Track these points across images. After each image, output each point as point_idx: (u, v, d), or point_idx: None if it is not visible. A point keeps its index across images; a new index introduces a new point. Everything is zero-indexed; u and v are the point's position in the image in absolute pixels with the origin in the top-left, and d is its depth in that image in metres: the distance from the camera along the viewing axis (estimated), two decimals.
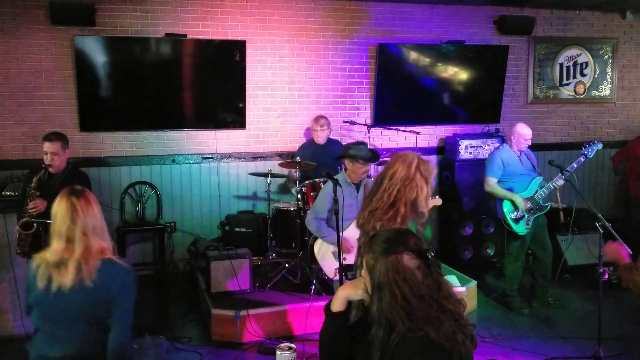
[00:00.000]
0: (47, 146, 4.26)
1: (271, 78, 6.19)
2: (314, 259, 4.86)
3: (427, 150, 6.79)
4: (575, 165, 5.02)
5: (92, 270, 2.28)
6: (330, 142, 5.94)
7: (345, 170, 4.56)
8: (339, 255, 3.80)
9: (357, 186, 4.58)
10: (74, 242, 2.31)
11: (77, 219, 2.32)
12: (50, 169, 4.21)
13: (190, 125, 6.04)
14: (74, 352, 2.32)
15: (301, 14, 6.21)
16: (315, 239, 4.89)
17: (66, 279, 2.27)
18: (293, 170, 5.43)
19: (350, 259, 4.54)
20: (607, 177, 7.53)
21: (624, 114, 7.60)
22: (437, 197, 4.51)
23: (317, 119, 5.85)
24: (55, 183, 4.20)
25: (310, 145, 5.93)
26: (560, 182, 4.97)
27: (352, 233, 4.57)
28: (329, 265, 4.69)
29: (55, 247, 2.33)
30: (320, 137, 5.81)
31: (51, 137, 4.35)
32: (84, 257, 2.29)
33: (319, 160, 5.52)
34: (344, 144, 6.04)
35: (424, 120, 6.70)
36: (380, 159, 5.03)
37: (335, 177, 4.08)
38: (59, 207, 2.36)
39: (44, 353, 2.36)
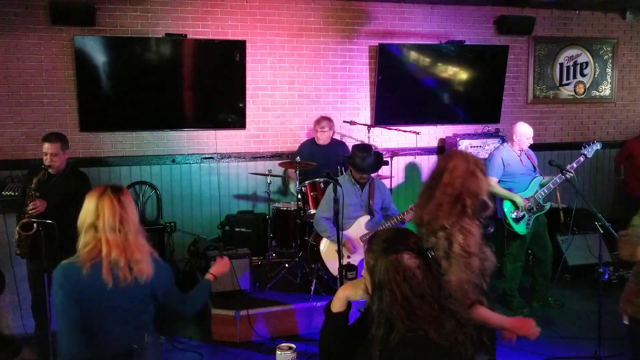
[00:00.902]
0: (47, 147, 4.25)
1: (271, 78, 6.19)
2: (317, 259, 4.87)
3: (427, 150, 6.79)
4: (575, 165, 5.02)
5: (143, 267, 2.34)
6: (334, 142, 5.94)
7: (350, 170, 4.61)
8: (339, 255, 3.81)
9: (362, 185, 4.59)
10: (111, 239, 2.32)
11: (123, 216, 2.35)
12: (49, 170, 4.21)
13: (190, 125, 6.04)
14: (115, 349, 2.35)
15: (301, 14, 6.21)
16: (317, 238, 4.90)
17: (125, 274, 2.31)
18: (292, 170, 5.44)
19: (354, 258, 4.55)
20: (607, 177, 7.53)
21: (624, 114, 7.60)
22: None
23: (319, 120, 5.85)
24: (55, 184, 4.19)
25: (310, 145, 5.92)
26: (559, 180, 4.98)
27: (354, 232, 4.58)
28: (333, 264, 4.70)
29: (94, 244, 2.33)
30: (321, 139, 5.81)
31: (51, 137, 4.34)
32: (131, 254, 2.33)
33: (318, 160, 5.52)
34: (347, 145, 6.06)
35: (424, 120, 6.70)
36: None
37: (338, 177, 4.09)
38: (104, 204, 2.35)
39: (82, 353, 2.33)
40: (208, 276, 2.85)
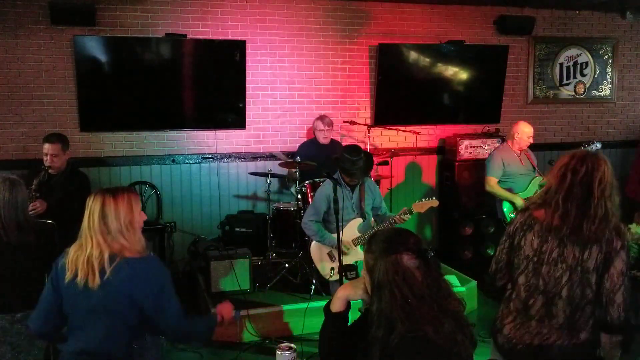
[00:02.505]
0: (47, 147, 4.26)
1: (271, 78, 6.19)
2: (312, 260, 4.86)
3: (427, 150, 6.79)
4: None
5: (113, 267, 2.28)
6: (333, 142, 5.94)
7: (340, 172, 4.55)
8: (339, 255, 3.80)
9: (352, 187, 4.56)
10: (93, 239, 2.32)
11: (99, 217, 2.33)
12: (50, 170, 4.21)
13: (190, 125, 6.04)
14: (90, 347, 2.34)
15: (301, 14, 6.21)
16: None
17: (88, 274, 2.29)
18: (293, 170, 5.43)
19: (345, 260, 4.53)
20: None
21: (624, 114, 7.60)
22: (433, 198, 4.51)
23: (323, 118, 5.81)
24: (55, 184, 4.20)
25: (311, 144, 5.91)
26: None
27: (346, 235, 4.55)
28: (323, 267, 4.70)
29: (80, 243, 2.36)
30: (326, 138, 5.77)
31: (51, 138, 4.34)
32: (103, 254, 2.30)
33: (320, 160, 5.52)
34: (343, 144, 6.06)
35: (424, 120, 6.69)
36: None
37: (327, 180, 4.07)
38: (88, 205, 2.38)
39: (65, 347, 2.39)
40: (217, 316, 2.68)
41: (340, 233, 3.84)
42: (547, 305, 2.39)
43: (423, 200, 4.47)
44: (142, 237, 2.45)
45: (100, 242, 2.31)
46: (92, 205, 2.36)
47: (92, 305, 2.32)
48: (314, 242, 4.73)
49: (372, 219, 4.79)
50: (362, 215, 4.58)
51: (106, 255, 2.30)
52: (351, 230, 4.56)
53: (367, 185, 4.65)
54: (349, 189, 4.54)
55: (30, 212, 3.97)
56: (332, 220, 4.32)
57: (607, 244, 2.33)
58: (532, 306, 2.42)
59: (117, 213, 2.35)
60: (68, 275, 2.32)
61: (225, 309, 2.66)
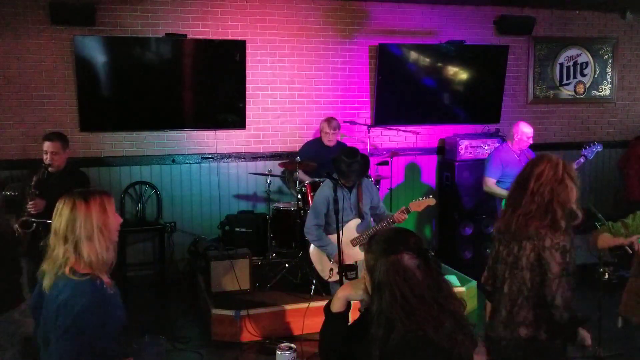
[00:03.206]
0: (48, 145, 4.26)
1: (271, 78, 6.19)
2: (311, 261, 4.85)
3: (427, 150, 6.80)
4: (575, 166, 5.01)
5: (51, 280, 2.12)
6: (339, 144, 5.92)
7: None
8: (339, 255, 3.80)
9: (350, 189, 4.55)
10: (54, 249, 2.15)
11: (57, 225, 2.14)
12: (49, 169, 4.21)
13: (190, 125, 6.04)
14: None
15: (301, 14, 6.21)
16: None
17: (45, 282, 2.16)
18: (300, 172, 5.42)
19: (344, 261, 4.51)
20: (607, 177, 7.53)
21: (624, 114, 7.60)
22: (430, 197, 4.51)
23: (330, 120, 5.76)
24: (55, 183, 4.19)
25: (316, 145, 5.89)
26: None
27: (345, 236, 4.52)
28: (323, 268, 4.69)
29: (48, 252, 2.20)
30: (332, 141, 5.73)
31: (51, 136, 4.35)
32: (53, 265, 2.14)
33: (324, 161, 5.50)
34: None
35: (424, 120, 6.70)
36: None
37: (325, 180, 4.04)
38: (57, 208, 2.20)
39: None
40: None
41: (341, 233, 3.84)
42: (498, 302, 2.56)
43: (420, 199, 4.47)
44: (110, 249, 2.18)
45: (60, 249, 2.12)
46: (62, 209, 2.14)
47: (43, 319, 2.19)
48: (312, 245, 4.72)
49: (371, 219, 4.79)
50: (360, 215, 4.57)
51: (57, 266, 2.12)
52: (350, 231, 4.55)
53: (365, 185, 4.63)
54: (346, 189, 4.54)
55: (30, 210, 3.98)
56: (331, 222, 4.32)
57: (540, 241, 2.40)
58: (494, 303, 2.62)
59: (87, 217, 2.12)
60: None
61: None
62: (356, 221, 4.56)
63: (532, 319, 2.45)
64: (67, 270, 2.09)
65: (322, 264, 4.62)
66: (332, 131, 5.72)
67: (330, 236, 4.42)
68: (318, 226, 4.49)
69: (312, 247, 4.73)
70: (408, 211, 4.38)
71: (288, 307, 4.74)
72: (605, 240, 3.42)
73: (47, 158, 4.23)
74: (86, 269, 2.11)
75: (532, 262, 2.40)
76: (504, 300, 2.52)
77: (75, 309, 2.03)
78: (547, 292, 2.38)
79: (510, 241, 2.49)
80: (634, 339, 4.42)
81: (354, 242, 4.54)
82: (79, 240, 2.10)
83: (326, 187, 4.39)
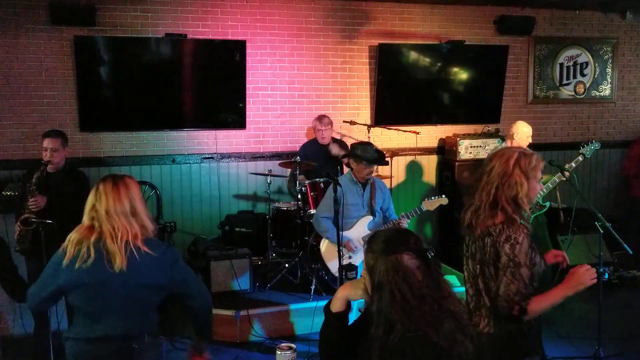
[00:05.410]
0: (48, 142, 4.25)
1: (271, 78, 6.19)
2: (317, 259, 4.86)
3: (427, 150, 6.80)
4: (573, 165, 5.03)
5: (123, 253, 2.31)
6: (333, 141, 5.94)
7: (351, 169, 4.56)
8: (339, 255, 3.81)
9: (364, 185, 4.57)
10: (96, 225, 2.36)
11: (101, 203, 2.36)
12: (49, 167, 4.20)
13: (190, 125, 6.04)
14: (114, 332, 2.35)
15: (301, 14, 6.21)
16: (317, 238, 4.89)
17: (108, 260, 2.31)
18: (302, 176, 5.44)
19: (355, 259, 4.54)
20: (607, 177, 7.53)
21: (624, 114, 7.60)
22: (443, 196, 4.52)
23: (321, 118, 5.83)
24: (54, 181, 4.19)
25: (312, 145, 5.91)
26: (557, 180, 4.99)
27: (357, 232, 4.57)
28: (333, 264, 4.69)
29: (81, 227, 2.38)
30: (325, 137, 5.79)
31: (51, 133, 4.34)
32: (111, 240, 2.32)
33: (321, 160, 5.51)
34: (345, 142, 6.07)
35: (424, 120, 6.70)
36: None
37: (340, 176, 4.06)
38: (91, 193, 2.42)
39: (85, 334, 2.38)
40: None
41: (341, 233, 3.85)
42: (472, 297, 2.56)
43: (433, 198, 4.50)
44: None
45: (117, 225, 2.33)
46: (92, 193, 2.41)
47: (114, 292, 2.33)
48: (324, 240, 4.72)
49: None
50: (372, 213, 4.59)
51: (125, 240, 2.33)
52: (361, 227, 4.57)
53: (378, 185, 4.69)
54: (360, 186, 4.55)
55: (31, 207, 3.98)
56: (343, 217, 4.33)
57: (498, 236, 2.39)
58: (466, 298, 2.60)
59: (132, 195, 2.41)
60: (79, 262, 2.30)
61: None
62: (368, 218, 4.58)
63: (490, 315, 2.45)
64: (139, 242, 2.35)
65: (334, 261, 4.64)
66: (324, 127, 5.75)
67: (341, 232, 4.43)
68: (326, 218, 4.51)
69: (322, 244, 4.74)
70: (421, 210, 4.44)
71: (288, 307, 4.74)
72: None
73: (46, 155, 4.22)
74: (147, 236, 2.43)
75: (493, 257, 2.40)
76: (467, 296, 2.54)
77: (175, 263, 2.46)
78: (495, 286, 2.38)
79: (476, 238, 2.48)
80: (634, 339, 4.43)
81: (364, 239, 4.57)
82: (137, 214, 2.39)
83: (342, 181, 4.42)
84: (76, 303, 2.40)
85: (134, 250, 2.32)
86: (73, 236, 2.37)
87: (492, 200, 2.43)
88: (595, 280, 2.43)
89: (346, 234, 4.45)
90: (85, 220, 2.40)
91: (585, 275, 2.40)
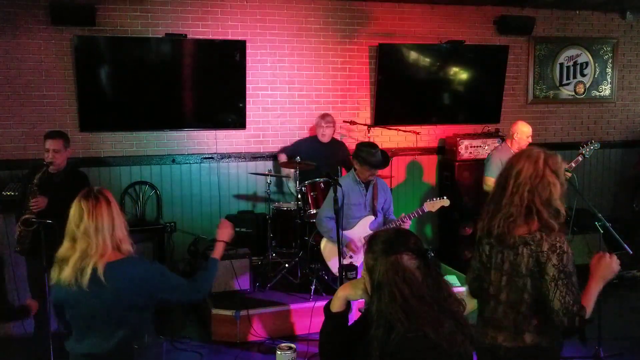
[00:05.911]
0: (50, 143, 4.25)
1: (271, 78, 6.19)
2: (317, 259, 4.86)
3: (427, 150, 6.79)
4: (573, 165, 5.03)
5: (100, 271, 2.27)
6: (334, 141, 5.93)
7: (355, 169, 4.56)
8: (339, 255, 3.81)
9: (367, 185, 4.57)
10: (76, 242, 2.32)
11: (82, 221, 2.32)
12: (50, 168, 4.20)
13: (190, 125, 6.04)
14: (98, 349, 2.35)
15: (301, 14, 6.21)
16: (317, 238, 4.89)
17: (67, 276, 2.29)
18: (292, 170, 5.43)
19: (356, 259, 4.54)
20: (607, 177, 7.53)
21: (624, 114, 7.60)
22: (444, 197, 4.52)
23: (324, 115, 5.83)
24: (55, 182, 4.19)
25: (310, 142, 5.90)
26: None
27: (358, 232, 4.57)
28: (334, 263, 4.70)
29: (64, 246, 2.36)
30: (326, 135, 5.78)
31: (53, 134, 4.35)
32: (86, 258, 2.29)
33: (319, 158, 5.51)
34: (346, 145, 6.07)
35: (424, 120, 6.70)
36: None
37: (342, 176, 4.06)
38: (71, 209, 2.38)
39: (74, 349, 2.41)
40: (215, 254, 2.87)
41: (342, 233, 3.85)
42: (495, 309, 2.43)
43: (435, 199, 4.49)
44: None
45: (93, 243, 2.30)
46: (72, 209, 2.36)
47: (93, 310, 2.33)
48: (324, 239, 4.72)
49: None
50: (374, 213, 4.59)
51: (98, 258, 2.29)
52: (363, 227, 4.57)
53: (381, 185, 4.68)
54: (363, 186, 4.55)
55: (32, 207, 3.98)
56: (344, 216, 4.33)
57: (537, 245, 2.28)
58: (485, 310, 2.49)
59: (99, 215, 2.33)
60: (63, 276, 2.31)
61: (225, 229, 2.87)
62: (370, 218, 4.58)
63: (536, 325, 2.35)
64: (102, 261, 2.29)
65: (335, 260, 4.64)
66: (326, 125, 5.74)
67: (343, 232, 4.43)
68: (330, 219, 4.52)
69: (322, 243, 4.74)
70: (423, 211, 4.44)
71: (288, 307, 4.74)
72: None
73: (48, 156, 4.22)
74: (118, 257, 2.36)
75: (531, 268, 2.28)
76: (503, 309, 2.40)
77: (150, 274, 2.39)
78: (545, 297, 2.26)
79: (503, 247, 2.35)
80: (634, 339, 4.43)
81: (366, 239, 4.57)
82: (111, 233, 2.34)
83: (345, 181, 4.41)
84: (67, 318, 2.45)
85: (105, 269, 2.28)
86: (59, 252, 2.37)
87: (527, 204, 2.29)
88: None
89: (348, 233, 4.45)
90: (66, 237, 2.38)
91: (613, 263, 2.36)
